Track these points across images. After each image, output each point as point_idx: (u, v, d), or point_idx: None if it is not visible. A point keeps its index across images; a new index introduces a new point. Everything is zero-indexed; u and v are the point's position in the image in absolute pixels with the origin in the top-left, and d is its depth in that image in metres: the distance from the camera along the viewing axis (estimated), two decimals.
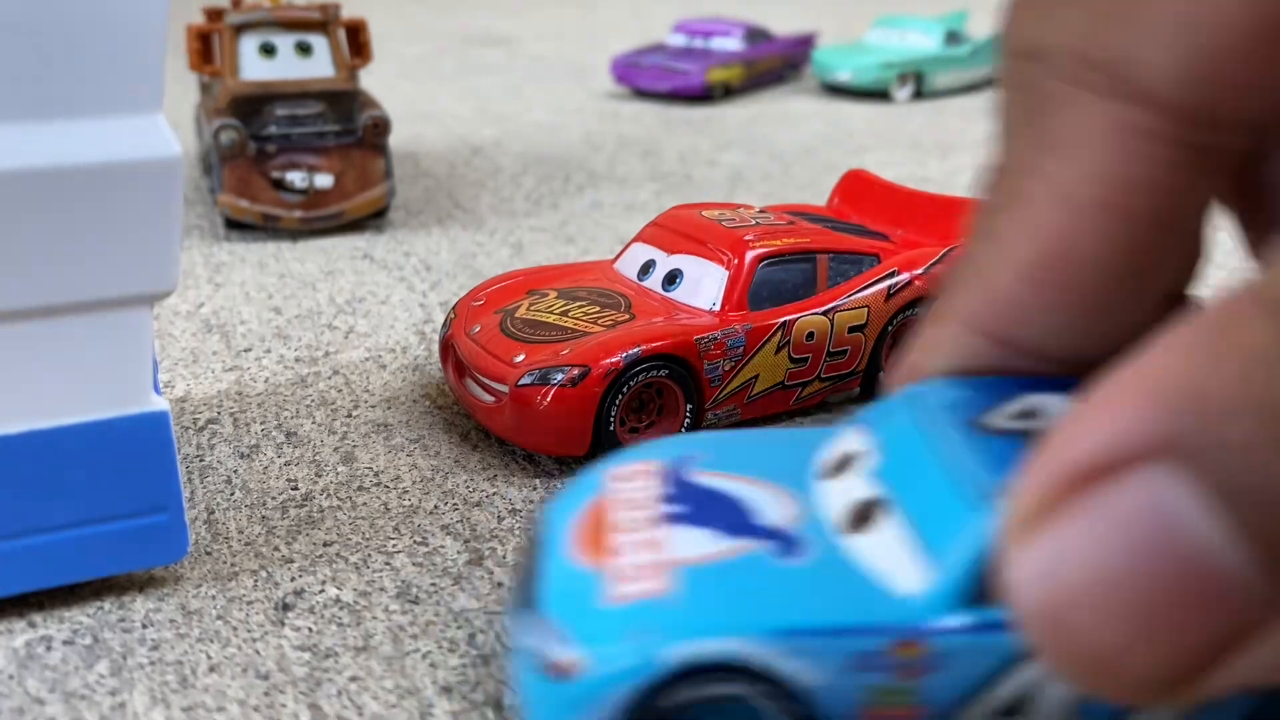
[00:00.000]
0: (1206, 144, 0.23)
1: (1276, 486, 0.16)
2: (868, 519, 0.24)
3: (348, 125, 0.64)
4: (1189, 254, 0.24)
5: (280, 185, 0.63)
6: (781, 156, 0.84)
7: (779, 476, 0.26)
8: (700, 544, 0.24)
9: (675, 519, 0.25)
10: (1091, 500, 0.17)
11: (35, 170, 0.26)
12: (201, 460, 0.39)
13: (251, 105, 0.63)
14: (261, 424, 0.42)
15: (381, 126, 0.64)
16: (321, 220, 0.63)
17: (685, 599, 0.23)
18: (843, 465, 0.25)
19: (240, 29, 0.65)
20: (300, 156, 0.64)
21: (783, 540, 0.24)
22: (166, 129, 0.28)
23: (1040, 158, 0.24)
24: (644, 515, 0.25)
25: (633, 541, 0.24)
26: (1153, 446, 0.17)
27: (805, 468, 0.26)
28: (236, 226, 0.64)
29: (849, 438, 0.26)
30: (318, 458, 0.39)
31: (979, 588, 0.22)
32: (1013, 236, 0.25)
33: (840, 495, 0.25)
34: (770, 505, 0.25)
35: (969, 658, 0.22)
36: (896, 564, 0.22)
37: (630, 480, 0.27)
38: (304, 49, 0.66)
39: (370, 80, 0.89)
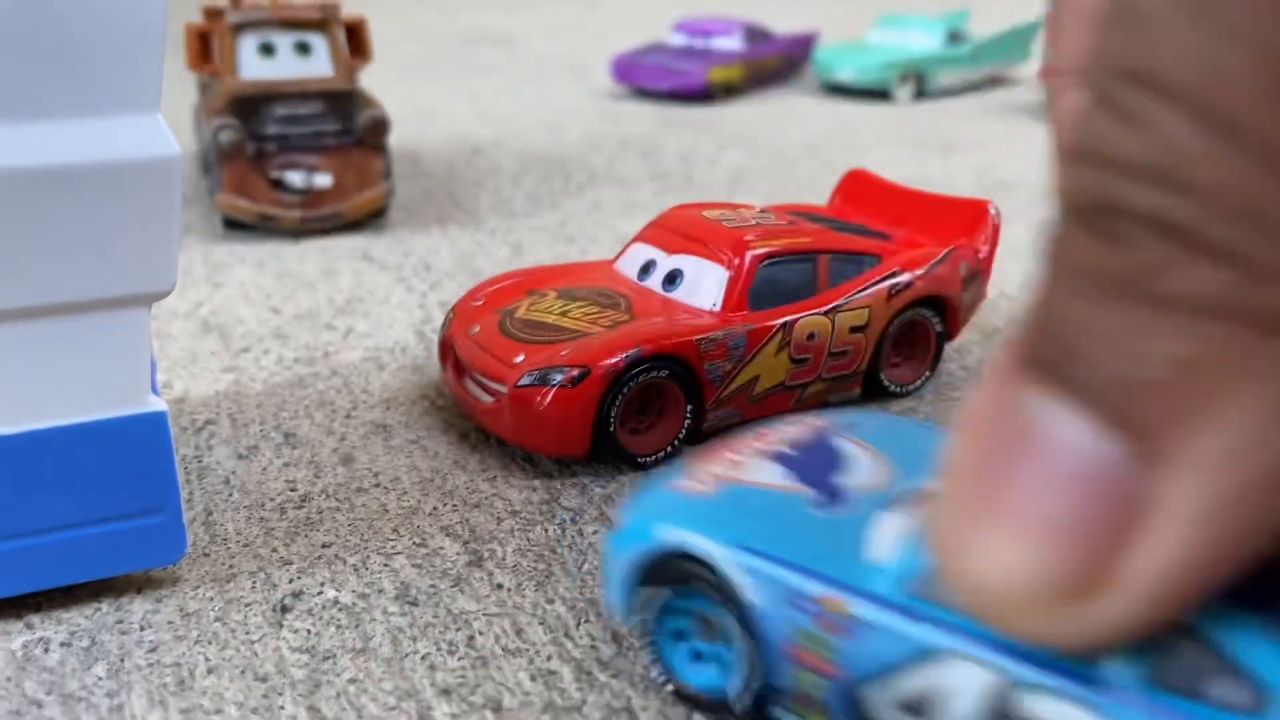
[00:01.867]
0: None
1: (1116, 375, 0.16)
2: (907, 503, 0.25)
3: (347, 125, 0.64)
4: None
5: (279, 185, 0.63)
6: (782, 156, 0.84)
7: (909, 460, 0.28)
8: (770, 476, 0.28)
9: (777, 457, 0.28)
10: (976, 424, 0.18)
11: (33, 169, 0.26)
12: (199, 461, 0.39)
13: (250, 105, 0.63)
14: (260, 425, 0.42)
15: (380, 126, 0.64)
16: (320, 220, 0.63)
17: (709, 503, 0.27)
18: None
19: (239, 28, 0.65)
20: (299, 156, 0.63)
21: (835, 497, 0.26)
22: (165, 128, 0.28)
23: None
24: (762, 450, 0.29)
25: (729, 460, 0.29)
26: (1020, 361, 0.17)
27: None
28: (235, 226, 0.64)
29: None
30: (316, 459, 0.39)
31: (927, 583, 0.23)
32: None
33: (922, 484, 0.26)
34: (865, 474, 0.27)
35: (885, 636, 0.23)
36: (887, 541, 0.24)
37: (791, 428, 0.30)
38: (303, 48, 0.66)
39: (370, 80, 0.89)
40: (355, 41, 0.67)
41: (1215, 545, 0.16)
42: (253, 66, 0.64)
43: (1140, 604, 0.16)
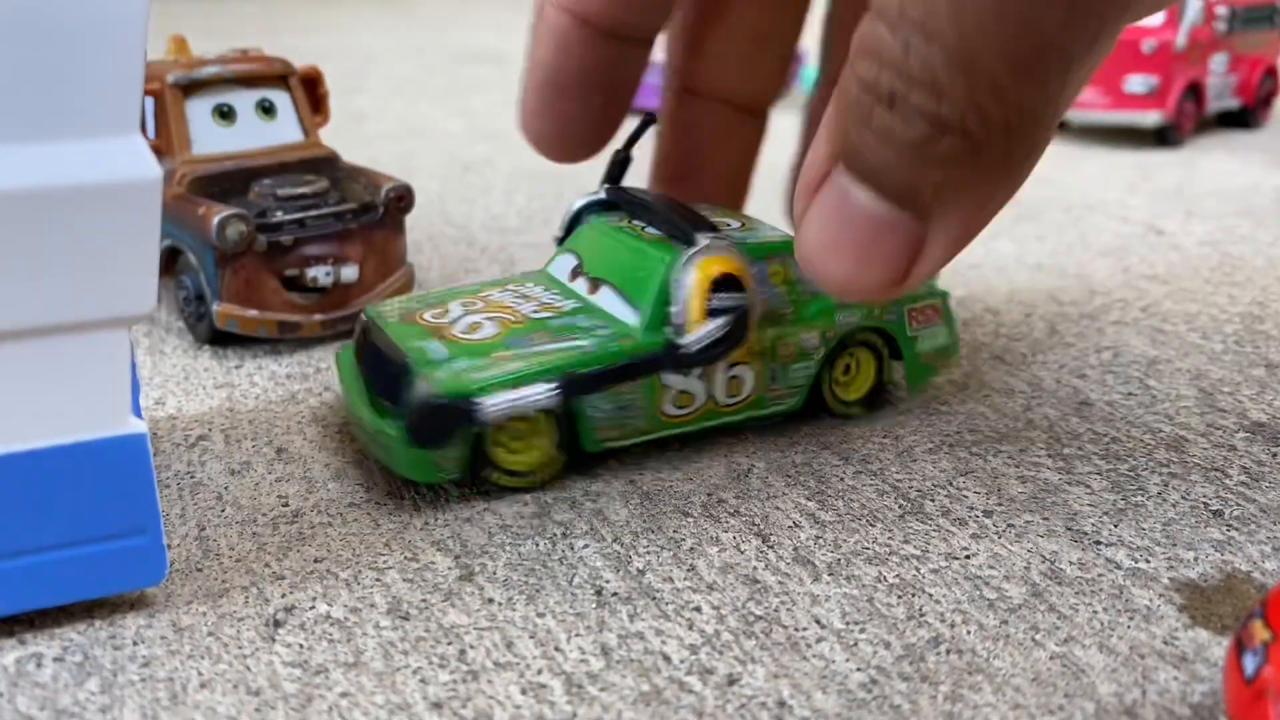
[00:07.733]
0: None
1: (886, 157, 0.26)
2: None
3: (347, 198, 0.52)
4: None
5: (294, 284, 0.50)
6: (772, 174, 0.84)
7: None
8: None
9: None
10: (816, 197, 0.28)
11: (12, 192, 0.26)
12: (192, 477, 0.39)
13: (220, 186, 0.50)
14: (253, 440, 0.42)
15: (406, 199, 0.53)
16: (344, 321, 0.50)
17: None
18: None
19: (188, 89, 0.52)
20: (319, 247, 0.50)
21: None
22: (146, 149, 0.28)
23: None
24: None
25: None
26: (834, 157, 0.28)
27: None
28: (225, 340, 0.51)
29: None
30: (309, 474, 0.39)
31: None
32: None
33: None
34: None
35: None
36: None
37: None
38: (266, 109, 0.54)
39: (363, 99, 0.89)
40: (312, 97, 0.56)
41: (950, 256, 0.28)
42: (209, 136, 0.52)
43: (916, 285, 0.29)
